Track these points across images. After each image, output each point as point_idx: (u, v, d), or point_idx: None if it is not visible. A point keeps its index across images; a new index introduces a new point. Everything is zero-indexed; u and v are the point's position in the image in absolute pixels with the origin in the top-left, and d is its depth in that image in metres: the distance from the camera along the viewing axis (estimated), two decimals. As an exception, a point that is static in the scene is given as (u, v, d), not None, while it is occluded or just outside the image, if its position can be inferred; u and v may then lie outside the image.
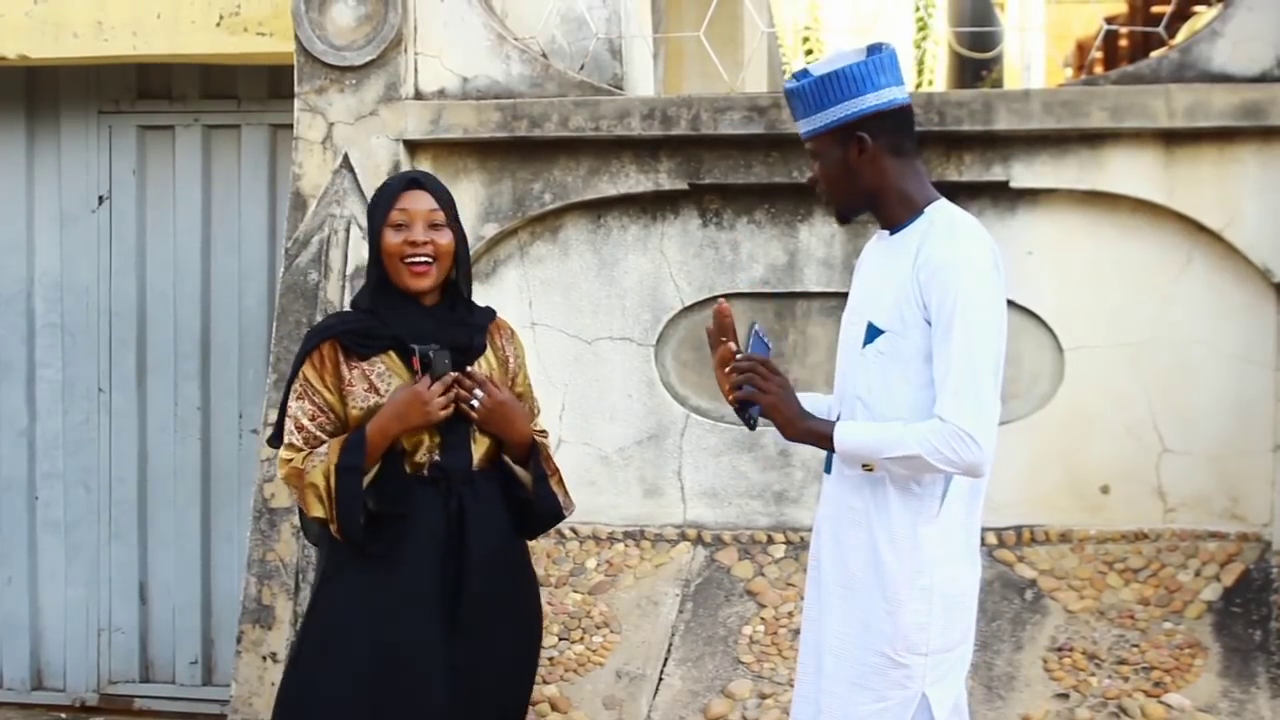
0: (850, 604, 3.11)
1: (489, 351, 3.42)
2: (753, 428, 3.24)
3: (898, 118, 3.09)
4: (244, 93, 5.75)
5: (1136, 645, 4.55)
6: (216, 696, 5.69)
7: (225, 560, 5.80)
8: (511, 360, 3.48)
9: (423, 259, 3.28)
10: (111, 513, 5.88)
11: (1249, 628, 4.55)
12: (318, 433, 3.28)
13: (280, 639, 4.83)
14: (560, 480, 3.50)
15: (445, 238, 3.32)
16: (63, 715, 5.92)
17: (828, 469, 3.20)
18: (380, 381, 3.28)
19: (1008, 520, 4.82)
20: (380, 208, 3.32)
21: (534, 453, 3.42)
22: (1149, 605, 4.64)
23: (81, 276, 5.87)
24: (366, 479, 3.24)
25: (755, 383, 3.11)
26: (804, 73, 3.12)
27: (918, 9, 12.09)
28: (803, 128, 3.14)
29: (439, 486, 3.29)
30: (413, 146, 5.09)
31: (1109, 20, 7.36)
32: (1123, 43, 11.88)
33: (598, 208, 5.08)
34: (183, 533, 5.84)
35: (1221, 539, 4.73)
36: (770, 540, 4.98)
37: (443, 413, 3.23)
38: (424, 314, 3.33)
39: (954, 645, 3.13)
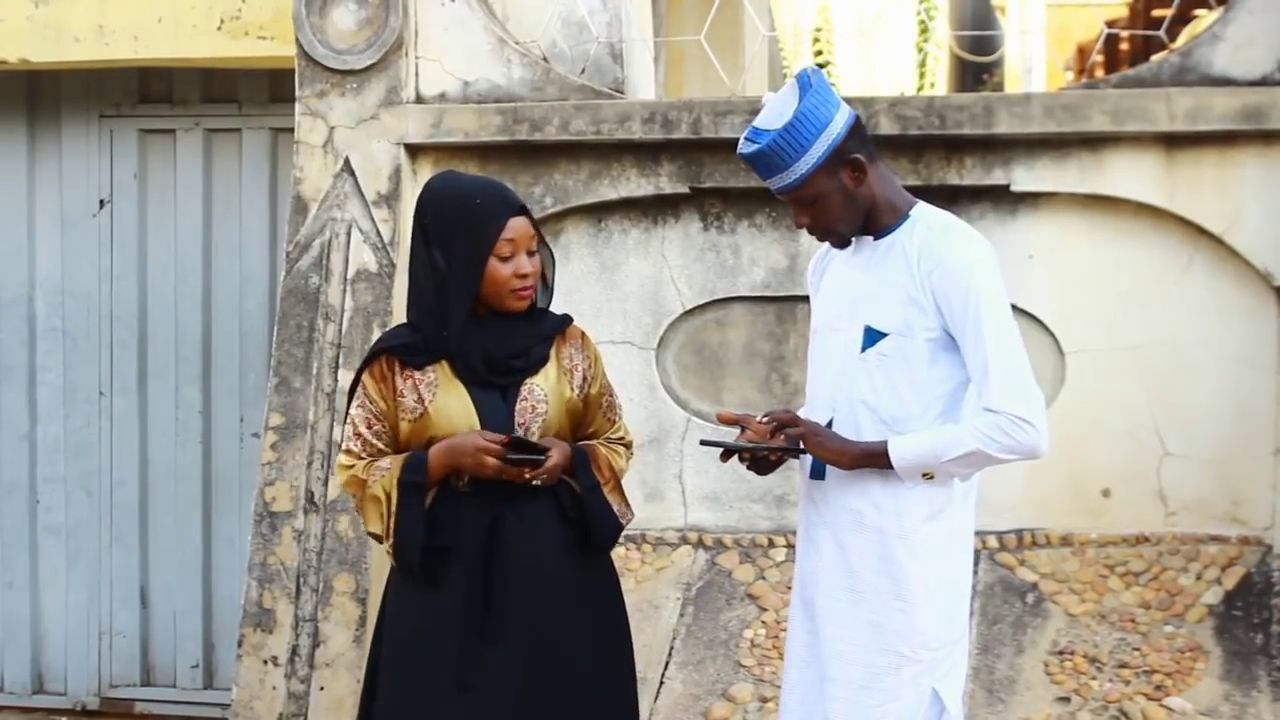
0: (857, 607, 3.13)
1: (551, 362, 3.33)
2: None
3: (860, 129, 3.13)
4: (245, 97, 5.75)
5: (1138, 649, 4.54)
6: (217, 700, 5.69)
7: (226, 564, 5.80)
8: (580, 368, 3.38)
9: (528, 287, 3.27)
10: (112, 517, 5.88)
11: (1250, 631, 4.54)
12: (375, 441, 3.27)
13: (281, 643, 4.83)
14: (617, 486, 3.37)
15: (537, 262, 3.30)
16: (63, 719, 5.92)
17: (817, 475, 3.20)
18: (428, 392, 3.24)
19: (1008, 524, 4.82)
20: (485, 236, 3.23)
21: (581, 462, 3.31)
22: (1150, 609, 4.64)
23: (83, 280, 5.88)
24: (428, 499, 3.22)
25: (795, 434, 3.14)
26: (759, 131, 3.09)
27: (919, 12, 12.09)
28: (782, 181, 3.10)
29: (478, 502, 3.23)
30: (414, 150, 5.09)
31: (1110, 24, 7.37)
32: (1123, 46, 11.89)
33: (598, 211, 5.08)
34: (184, 536, 5.84)
35: (1223, 542, 4.73)
36: (771, 544, 4.98)
37: (491, 471, 3.18)
38: (487, 328, 3.27)
39: (958, 637, 3.18)
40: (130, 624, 5.90)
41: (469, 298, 3.23)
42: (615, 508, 3.35)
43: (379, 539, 3.28)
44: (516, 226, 3.26)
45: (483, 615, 3.20)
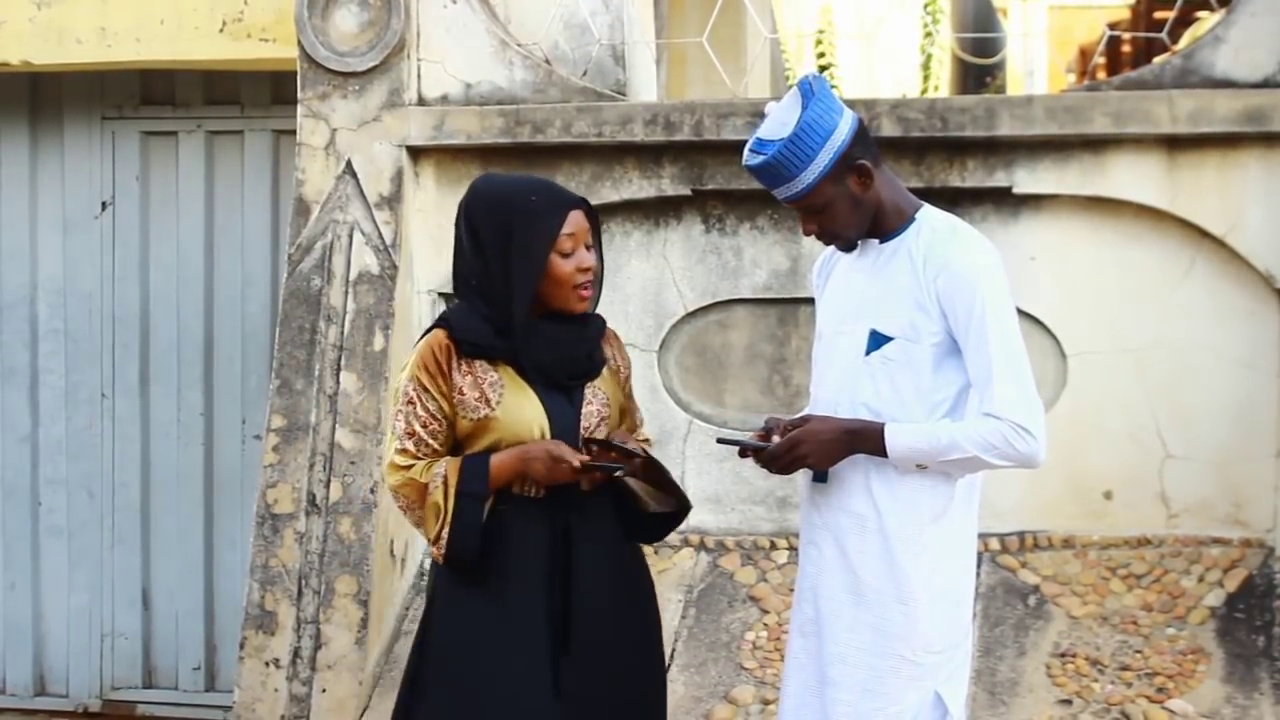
0: (860, 610, 3.13)
1: (606, 366, 3.29)
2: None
3: (864, 134, 3.12)
4: (247, 99, 5.76)
5: (1139, 651, 4.54)
6: (219, 703, 5.69)
7: (228, 566, 5.80)
8: (622, 370, 3.34)
9: (589, 283, 3.19)
10: (114, 518, 5.89)
11: (1252, 633, 4.54)
12: (430, 441, 3.14)
13: (283, 645, 4.83)
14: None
15: (595, 258, 3.21)
16: (65, 721, 5.94)
17: (819, 477, 3.19)
18: (492, 391, 3.13)
19: (1010, 526, 4.82)
20: (547, 231, 3.12)
21: (651, 459, 3.26)
22: (1152, 611, 4.64)
23: (85, 282, 5.88)
24: (486, 507, 3.14)
25: (791, 459, 3.12)
26: (764, 142, 3.08)
27: (924, 16, 12.07)
28: (789, 190, 3.09)
29: (545, 508, 3.15)
30: (416, 152, 5.10)
31: (1112, 26, 7.37)
32: (1125, 48, 11.90)
33: (601, 214, 5.00)
34: (186, 538, 5.84)
35: (1225, 545, 4.73)
36: (773, 546, 4.98)
37: (568, 477, 3.12)
38: (554, 334, 3.18)
39: (960, 640, 3.18)
40: (132, 626, 5.90)
41: (531, 297, 3.12)
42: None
43: (432, 542, 3.18)
44: (576, 220, 3.16)
45: (562, 626, 3.15)
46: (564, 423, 3.17)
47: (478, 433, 3.15)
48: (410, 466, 3.15)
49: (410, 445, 3.15)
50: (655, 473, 3.28)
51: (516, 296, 3.12)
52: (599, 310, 3.31)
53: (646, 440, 3.42)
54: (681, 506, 3.33)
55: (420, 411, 3.15)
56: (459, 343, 3.15)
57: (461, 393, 3.14)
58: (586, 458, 3.11)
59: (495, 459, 3.12)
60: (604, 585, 3.19)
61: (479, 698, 3.15)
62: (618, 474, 3.15)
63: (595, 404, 3.22)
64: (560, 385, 3.19)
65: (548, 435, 3.14)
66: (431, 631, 3.27)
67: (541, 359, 3.15)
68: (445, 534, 3.12)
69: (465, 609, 3.20)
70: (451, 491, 3.11)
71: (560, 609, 3.16)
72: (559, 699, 3.13)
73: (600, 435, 3.22)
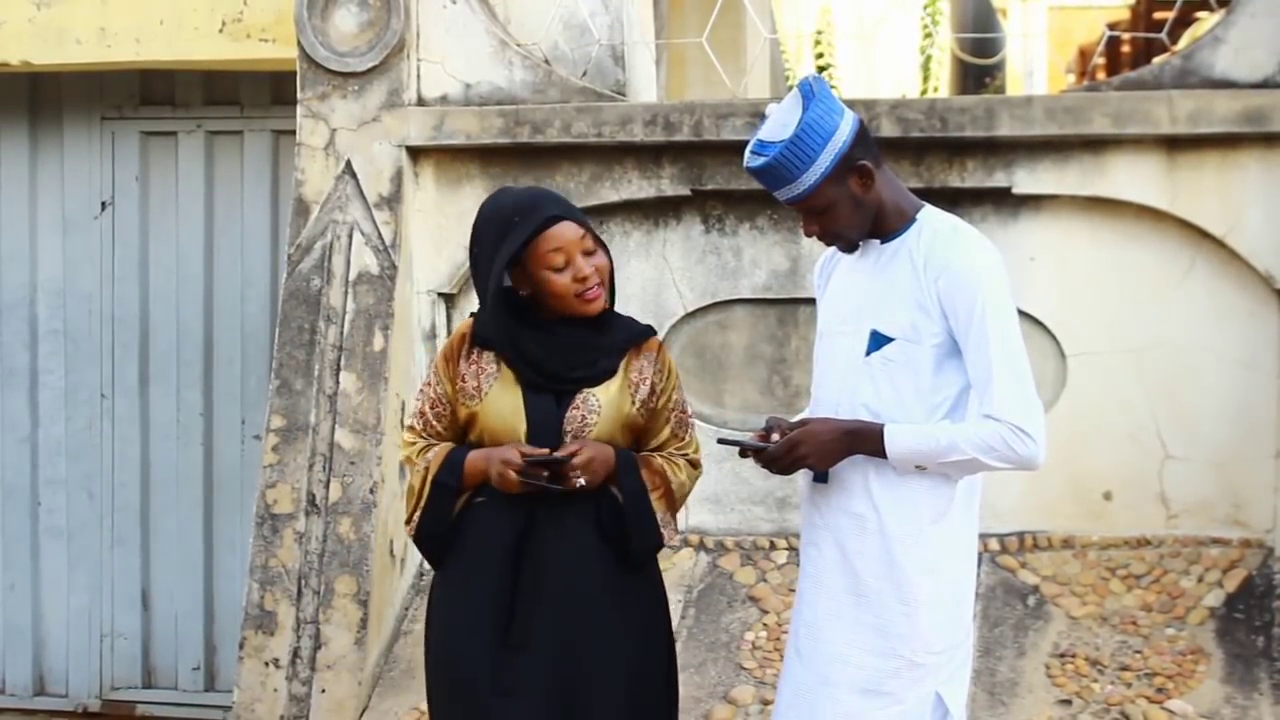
0: (861, 611, 3.13)
1: (618, 375, 3.24)
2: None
3: (865, 135, 3.12)
4: (247, 99, 5.76)
5: (1139, 651, 4.54)
6: (219, 703, 5.69)
7: (228, 566, 5.80)
8: (648, 380, 3.25)
9: (593, 288, 3.19)
10: (114, 519, 5.89)
11: (1252, 634, 4.54)
12: (435, 423, 3.28)
13: (283, 645, 4.83)
14: (667, 495, 3.26)
15: (601, 259, 3.21)
16: (64, 721, 5.93)
17: (820, 478, 3.19)
18: (486, 384, 3.21)
19: (1010, 526, 4.82)
20: (525, 250, 3.16)
21: (628, 466, 3.22)
22: (1151, 611, 4.64)
23: (84, 283, 5.88)
24: (459, 501, 3.23)
25: (791, 460, 3.11)
26: (765, 144, 3.07)
27: (924, 16, 12.07)
28: (791, 192, 3.08)
29: (515, 503, 3.17)
30: (415, 153, 5.10)
31: (1111, 26, 7.36)
32: (1125, 49, 11.90)
33: (600, 214, 5.07)
34: (185, 538, 5.84)
35: (1224, 545, 4.73)
36: (773, 546, 4.98)
37: (513, 487, 3.14)
38: (555, 336, 3.21)
39: (961, 641, 3.18)
40: (131, 626, 5.90)
41: (509, 314, 3.20)
42: (659, 516, 3.25)
43: (406, 522, 3.33)
44: (558, 235, 3.16)
45: (509, 620, 3.18)
46: (544, 425, 3.18)
47: (470, 423, 3.25)
48: (414, 444, 3.32)
49: (418, 424, 3.33)
50: (629, 480, 3.23)
51: (495, 313, 3.20)
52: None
53: (683, 458, 3.32)
54: (639, 528, 3.24)
55: (431, 393, 3.31)
56: (475, 333, 3.27)
57: (463, 380, 3.25)
58: (520, 464, 3.13)
59: (471, 455, 3.23)
60: (561, 584, 3.19)
61: (435, 684, 3.29)
62: (557, 487, 3.12)
63: (582, 410, 3.19)
64: (548, 388, 3.20)
65: (522, 436, 3.18)
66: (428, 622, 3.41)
67: (522, 363, 3.20)
68: (416, 517, 3.28)
69: (435, 597, 3.35)
70: (429, 478, 3.24)
71: (509, 603, 3.19)
72: (498, 693, 3.15)
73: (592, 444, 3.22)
